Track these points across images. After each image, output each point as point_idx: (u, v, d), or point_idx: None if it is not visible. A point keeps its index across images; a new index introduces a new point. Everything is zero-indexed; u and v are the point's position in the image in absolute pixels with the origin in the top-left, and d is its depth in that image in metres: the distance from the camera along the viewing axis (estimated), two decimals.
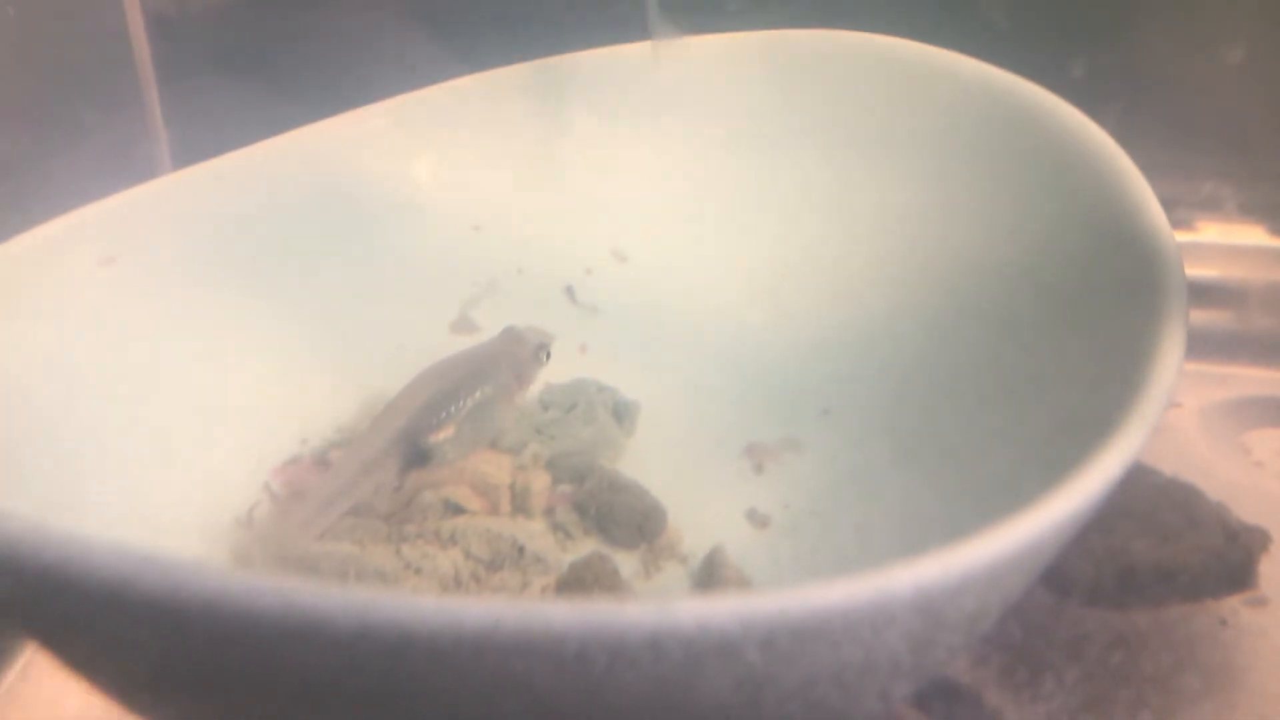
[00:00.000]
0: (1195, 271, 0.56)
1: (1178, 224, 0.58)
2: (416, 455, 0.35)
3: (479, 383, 0.36)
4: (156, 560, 0.19)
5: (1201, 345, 0.52)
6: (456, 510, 0.36)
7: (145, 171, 0.60)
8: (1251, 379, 0.50)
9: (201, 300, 0.39)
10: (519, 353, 0.38)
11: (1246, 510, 0.38)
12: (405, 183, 0.44)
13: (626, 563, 0.35)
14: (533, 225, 0.45)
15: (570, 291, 0.44)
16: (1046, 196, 0.36)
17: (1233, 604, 0.36)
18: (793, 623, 0.19)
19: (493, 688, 0.20)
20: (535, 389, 0.40)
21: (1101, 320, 0.31)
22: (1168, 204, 0.59)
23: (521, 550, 0.34)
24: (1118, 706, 0.34)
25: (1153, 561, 0.35)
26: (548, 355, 0.38)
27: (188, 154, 0.60)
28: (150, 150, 0.61)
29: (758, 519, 0.36)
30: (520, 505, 0.36)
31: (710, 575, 0.34)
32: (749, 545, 0.35)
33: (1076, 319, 0.33)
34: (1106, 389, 0.28)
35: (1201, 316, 0.55)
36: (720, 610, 0.19)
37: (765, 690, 0.20)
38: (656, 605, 0.19)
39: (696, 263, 0.44)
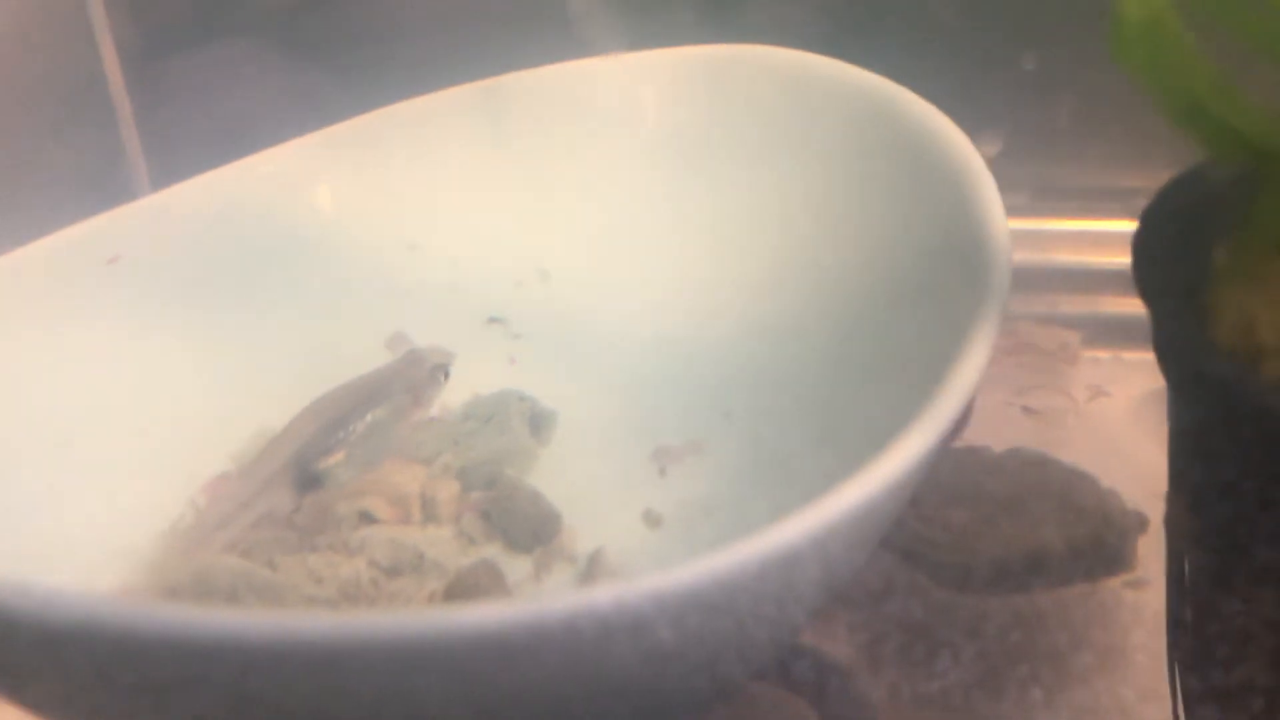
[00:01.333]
0: None
1: (1135, 213, 0.59)
2: (308, 480, 0.37)
3: (370, 406, 0.38)
4: (33, 590, 0.21)
5: (1148, 334, 0.53)
6: (370, 520, 0.38)
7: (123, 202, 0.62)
8: None
9: (136, 321, 0.41)
10: (415, 374, 0.39)
11: (1159, 494, 0.38)
12: (339, 207, 0.46)
13: (522, 566, 0.37)
14: (466, 243, 0.47)
15: (495, 320, 0.45)
16: (920, 200, 0.37)
17: (1114, 585, 0.37)
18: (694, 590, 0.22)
19: (417, 668, 0.21)
20: (460, 400, 0.42)
21: (954, 311, 0.32)
22: (1126, 194, 0.60)
23: (422, 557, 0.36)
24: (1011, 683, 0.35)
25: (1034, 547, 0.36)
26: (446, 375, 0.40)
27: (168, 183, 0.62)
28: (128, 180, 0.63)
29: (651, 519, 0.38)
30: (430, 513, 0.38)
31: (591, 574, 0.35)
32: (639, 544, 0.37)
33: (949, 308, 0.34)
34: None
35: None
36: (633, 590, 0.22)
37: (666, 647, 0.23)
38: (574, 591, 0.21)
39: (616, 275, 0.45)
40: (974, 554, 0.37)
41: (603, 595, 0.21)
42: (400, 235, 0.47)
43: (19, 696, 0.26)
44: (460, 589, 0.34)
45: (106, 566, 0.36)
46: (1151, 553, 0.37)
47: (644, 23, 0.48)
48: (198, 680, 0.22)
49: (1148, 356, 0.50)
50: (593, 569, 0.35)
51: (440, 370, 0.40)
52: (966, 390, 0.27)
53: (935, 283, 0.35)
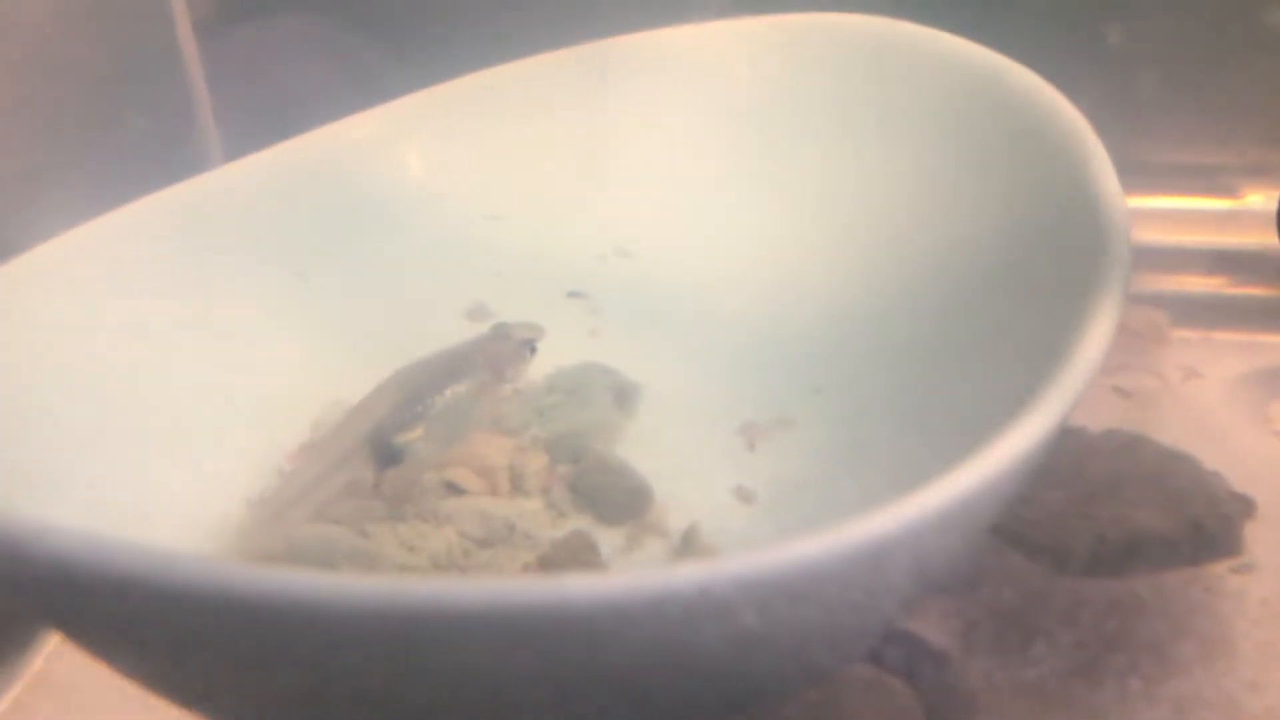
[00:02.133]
0: (1239, 239, 0.56)
1: (1222, 190, 0.58)
2: (388, 454, 0.36)
3: (450, 381, 0.37)
4: (147, 552, 0.21)
5: (1238, 314, 0.52)
6: (458, 491, 0.37)
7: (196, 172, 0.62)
8: None
9: (224, 295, 0.41)
10: (500, 349, 0.39)
11: (1256, 477, 0.38)
12: (424, 174, 0.46)
13: (613, 539, 0.36)
14: (548, 214, 0.47)
15: (575, 294, 0.45)
16: (1023, 172, 0.36)
17: (1220, 570, 0.36)
18: (782, 577, 0.21)
19: (504, 647, 0.21)
20: (543, 372, 0.42)
21: (1072, 289, 0.31)
22: (1211, 170, 0.59)
23: (512, 528, 0.35)
24: (1108, 672, 0.34)
25: (1146, 530, 0.35)
26: (533, 351, 0.39)
27: (240, 154, 0.62)
28: (202, 150, 0.63)
29: (744, 495, 0.37)
30: (519, 485, 0.38)
31: (686, 550, 0.35)
32: (732, 520, 0.36)
33: (1060, 287, 0.33)
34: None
35: (1241, 285, 0.54)
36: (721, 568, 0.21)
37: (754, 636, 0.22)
38: (660, 570, 0.21)
39: (702, 248, 0.45)
40: (1073, 536, 0.36)
41: (686, 577, 0.21)
42: (483, 205, 0.47)
43: (120, 662, 0.26)
44: (555, 560, 0.34)
45: (194, 536, 0.36)
46: (1259, 538, 0.36)
47: None
48: (280, 653, 0.22)
49: (1238, 337, 0.50)
50: (689, 546, 0.35)
51: (527, 346, 0.39)
52: (1085, 377, 0.26)
53: (1043, 263, 0.34)
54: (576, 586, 0.20)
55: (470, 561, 0.34)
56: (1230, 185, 0.58)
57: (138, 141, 0.58)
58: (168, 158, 0.61)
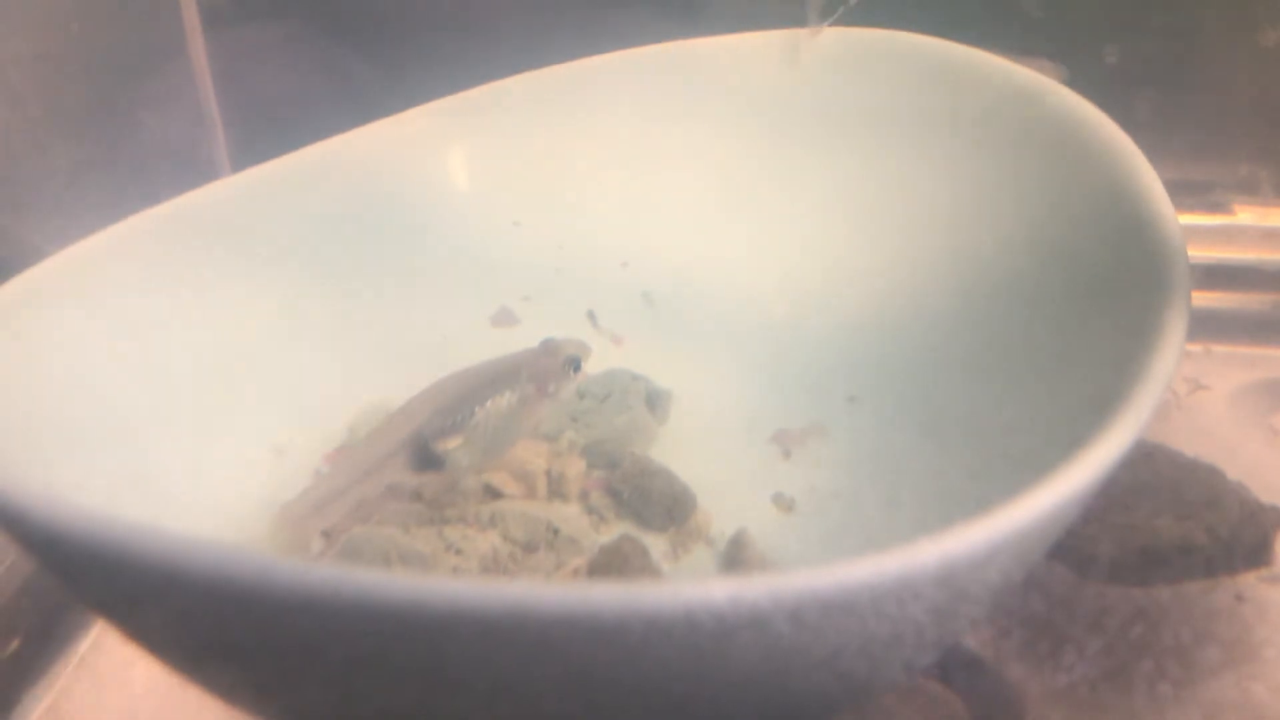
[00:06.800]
0: (1231, 254, 0.57)
1: (1214, 207, 0.59)
2: (427, 460, 0.36)
3: (493, 392, 0.37)
4: (202, 546, 0.21)
5: (1234, 328, 0.53)
6: (496, 495, 0.37)
7: (206, 172, 0.62)
8: None
9: (256, 297, 0.41)
10: (547, 363, 0.39)
11: (1269, 489, 0.38)
12: (448, 180, 0.46)
13: (656, 545, 0.36)
14: (571, 221, 0.47)
15: (592, 316, 0.45)
16: (1063, 187, 0.37)
17: (1249, 579, 0.37)
18: (821, 597, 0.21)
19: (536, 657, 0.21)
20: None
21: (1116, 305, 0.32)
22: (1204, 187, 0.60)
23: (556, 533, 0.35)
24: (1138, 678, 0.35)
25: (1172, 539, 0.35)
26: (578, 368, 0.39)
27: (246, 153, 0.62)
28: (210, 151, 0.63)
29: (784, 502, 0.38)
30: (556, 490, 0.38)
31: (735, 557, 0.35)
32: (774, 527, 0.37)
33: (1095, 303, 0.34)
34: (1125, 369, 0.29)
35: (1236, 299, 0.55)
36: (753, 586, 0.20)
37: (793, 661, 0.22)
38: (691, 581, 0.20)
39: (729, 256, 0.45)
40: (1097, 543, 0.37)
41: (719, 589, 0.20)
42: (509, 211, 0.47)
43: (160, 650, 0.26)
44: (606, 564, 0.34)
45: (225, 534, 0.35)
46: None
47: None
48: (309, 657, 0.22)
49: (1238, 350, 0.51)
50: (738, 553, 0.35)
51: (572, 363, 0.39)
52: (1158, 398, 0.26)
53: (1090, 279, 0.34)
54: (607, 595, 0.20)
55: (518, 566, 0.34)
56: (1222, 202, 0.59)
57: (145, 137, 0.58)
58: (174, 155, 0.61)
